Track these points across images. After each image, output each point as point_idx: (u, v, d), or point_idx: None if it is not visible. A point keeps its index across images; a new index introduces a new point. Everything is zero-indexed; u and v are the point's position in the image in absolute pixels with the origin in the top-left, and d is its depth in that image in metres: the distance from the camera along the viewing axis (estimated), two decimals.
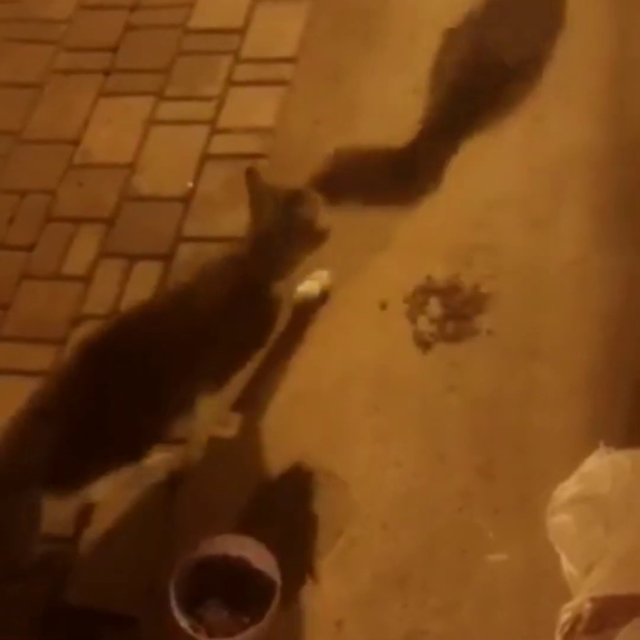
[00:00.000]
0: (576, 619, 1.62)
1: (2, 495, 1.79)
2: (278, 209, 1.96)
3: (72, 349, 1.96)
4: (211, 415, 2.00)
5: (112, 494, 1.92)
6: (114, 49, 2.82)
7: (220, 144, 2.57)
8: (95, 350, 1.87)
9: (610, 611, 1.58)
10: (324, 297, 2.21)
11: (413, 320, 2.16)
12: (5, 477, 1.80)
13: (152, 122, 2.65)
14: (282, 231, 1.96)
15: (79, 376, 1.85)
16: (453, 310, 2.16)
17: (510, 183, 2.35)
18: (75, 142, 2.63)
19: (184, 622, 1.76)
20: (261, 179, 2.01)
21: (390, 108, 2.55)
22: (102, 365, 1.84)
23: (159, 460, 1.98)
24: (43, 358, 2.22)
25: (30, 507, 1.79)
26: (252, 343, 2.00)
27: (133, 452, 1.88)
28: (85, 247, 2.42)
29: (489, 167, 2.39)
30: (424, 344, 2.13)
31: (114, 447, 1.82)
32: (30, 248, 2.44)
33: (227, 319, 1.91)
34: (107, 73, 2.77)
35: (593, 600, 1.61)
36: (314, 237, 1.99)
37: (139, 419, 1.84)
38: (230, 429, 2.07)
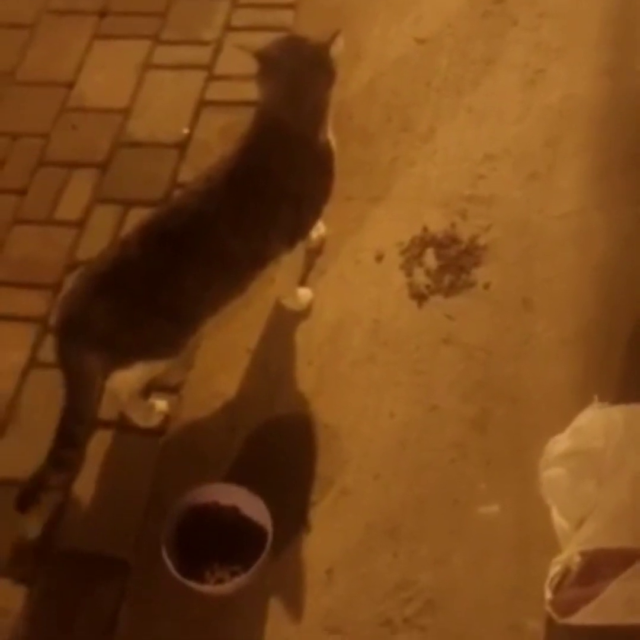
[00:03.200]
0: (566, 572, 1.63)
1: (65, 356, 1.82)
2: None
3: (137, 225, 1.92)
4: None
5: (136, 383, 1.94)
6: None
7: (217, 91, 2.55)
8: (163, 224, 1.86)
9: (599, 564, 1.60)
10: (319, 246, 2.20)
11: (409, 272, 2.15)
12: (67, 338, 1.83)
13: (147, 66, 2.61)
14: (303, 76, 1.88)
15: (142, 249, 1.83)
16: (449, 262, 2.15)
17: (509, 135, 2.34)
18: (69, 85, 2.60)
19: (174, 570, 1.76)
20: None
21: (391, 56, 2.52)
22: (165, 243, 1.83)
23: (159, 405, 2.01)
24: (36, 303, 2.21)
25: (93, 373, 1.82)
26: (320, 194, 1.97)
27: (184, 336, 1.90)
28: (78, 192, 2.39)
29: (488, 119, 2.37)
30: (419, 296, 2.12)
31: (168, 327, 1.85)
32: (23, 192, 2.42)
33: (291, 174, 1.90)
34: (102, 15, 2.73)
35: (583, 553, 1.62)
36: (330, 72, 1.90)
37: (202, 297, 1.87)
38: (300, 303, 2.11)
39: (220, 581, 1.77)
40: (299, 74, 1.88)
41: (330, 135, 1.96)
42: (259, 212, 1.89)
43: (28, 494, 1.81)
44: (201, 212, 1.85)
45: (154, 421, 2.03)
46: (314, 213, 2.01)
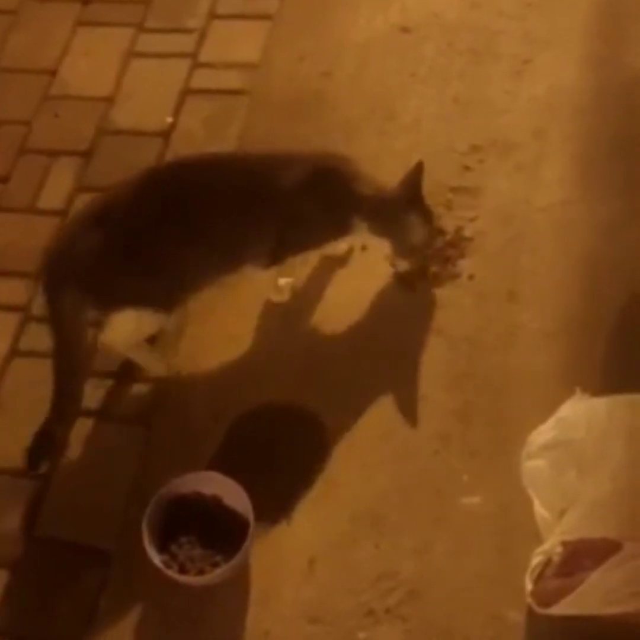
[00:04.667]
0: (547, 563, 1.63)
1: (50, 292, 1.84)
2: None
3: (144, 170, 1.95)
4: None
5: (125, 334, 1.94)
6: None
7: (202, 79, 2.53)
8: (167, 178, 1.90)
9: (581, 555, 1.60)
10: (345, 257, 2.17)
11: (393, 262, 2.14)
12: (52, 273, 1.85)
13: (131, 54, 2.59)
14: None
15: (140, 196, 1.86)
16: (434, 253, 2.14)
17: (495, 126, 2.33)
18: (52, 72, 2.58)
19: (156, 559, 1.76)
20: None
21: (377, 45, 2.51)
22: (169, 193, 1.85)
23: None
24: (17, 292, 2.20)
25: (76, 312, 1.83)
26: (322, 237, 2.00)
27: (169, 292, 1.90)
28: (61, 180, 2.38)
29: (474, 110, 2.37)
30: (404, 286, 2.11)
31: (153, 279, 1.85)
32: (5, 180, 2.40)
33: (312, 204, 1.92)
34: (85, 2, 2.71)
35: (564, 543, 1.62)
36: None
37: (186, 261, 1.86)
38: (283, 295, 2.10)
39: (201, 571, 1.76)
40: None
41: None
42: (255, 209, 1.89)
43: (37, 450, 1.83)
44: (206, 181, 1.86)
45: (162, 369, 2.03)
46: (299, 247, 2.01)
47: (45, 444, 1.83)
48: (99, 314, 1.89)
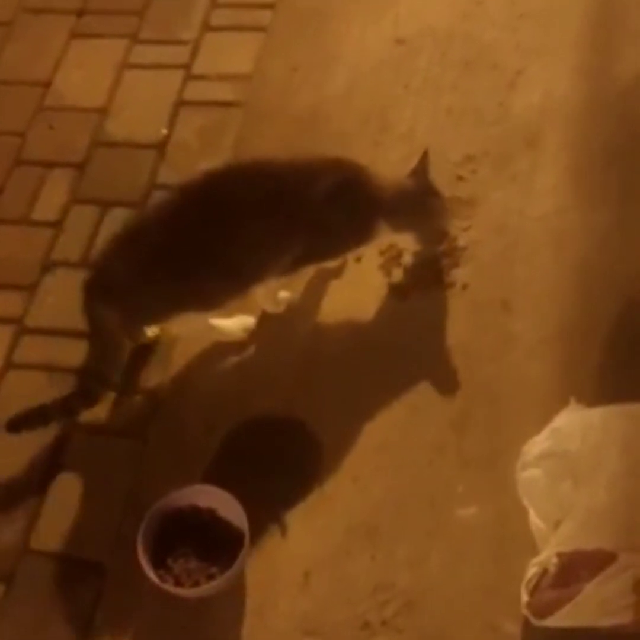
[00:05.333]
0: (543, 573, 1.63)
1: (88, 305, 1.92)
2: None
3: (178, 187, 1.97)
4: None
5: None
6: None
7: (196, 90, 2.53)
8: (201, 192, 1.91)
9: (576, 566, 1.60)
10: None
11: (388, 272, 2.15)
12: (91, 288, 1.92)
13: (125, 65, 2.60)
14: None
15: (178, 214, 1.90)
16: (428, 263, 2.14)
17: (488, 136, 2.34)
18: (46, 84, 2.58)
19: (151, 573, 1.75)
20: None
21: (370, 57, 2.51)
22: (204, 209, 1.88)
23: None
24: (12, 304, 2.19)
25: (111, 325, 1.91)
26: (347, 245, 2.05)
27: (202, 301, 1.95)
28: (55, 192, 2.38)
29: (467, 120, 2.37)
30: (398, 296, 2.11)
31: (184, 289, 1.90)
32: None
33: (340, 214, 1.95)
34: (79, 14, 2.71)
35: (560, 554, 1.62)
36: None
37: (219, 271, 1.90)
38: (279, 306, 2.11)
39: (196, 584, 1.76)
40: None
41: None
42: (285, 219, 1.92)
43: (26, 418, 1.89)
44: (238, 193, 1.90)
45: (239, 334, 2.08)
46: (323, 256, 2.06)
47: (36, 419, 1.90)
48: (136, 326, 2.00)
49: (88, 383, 1.93)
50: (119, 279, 1.90)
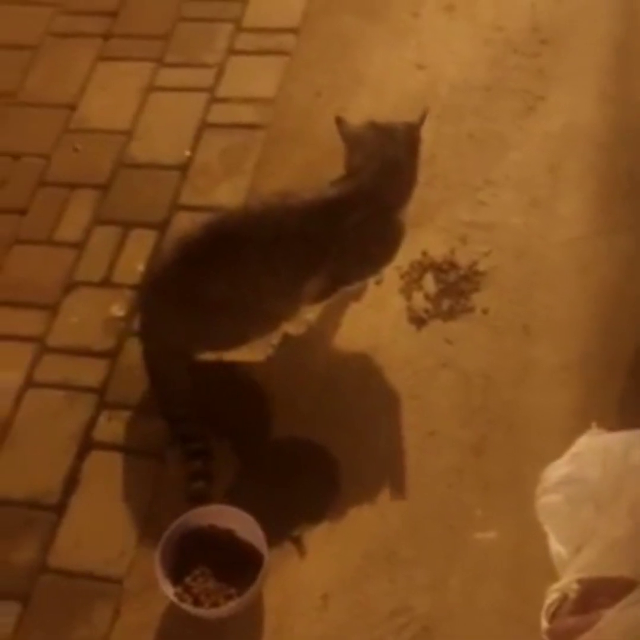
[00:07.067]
0: (563, 600, 1.61)
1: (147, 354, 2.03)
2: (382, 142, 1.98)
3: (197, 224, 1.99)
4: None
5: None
6: (114, 14, 2.79)
7: (219, 113, 2.55)
8: (224, 229, 1.95)
9: (597, 593, 1.58)
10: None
11: (408, 296, 2.15)
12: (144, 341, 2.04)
13: (150, 88, 2.62)
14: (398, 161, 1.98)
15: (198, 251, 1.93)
16: (448, 287, 2.15)
17: (509, 162, 2.35)
18: (72, 107, 2.60)
19: (170, 592, 1.75)
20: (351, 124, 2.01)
21: (392, 82, 2.53)
22: (227, 246, 1.91)
23: None
24: (34, 323, 2.20)
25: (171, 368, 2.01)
26: (379, 258, 2.04)
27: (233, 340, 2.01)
28: (79, 213, 2.39)
29: (488, 145, 2.38)
30: (418, 320, 2.11)
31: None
32: (23, 212, 2.42)
33: (358, 236, 1.95)
34: (106, 37, 2.75)
35: (580, 581, 1.60)
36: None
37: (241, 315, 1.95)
38: (300, 327, 2.11)
39: (215, 604, 1.75)
40: (394, 156, 1.97)
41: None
42: (305, 256, 1.94)
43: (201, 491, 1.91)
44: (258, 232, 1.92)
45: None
46: (349, 282, 2.06)
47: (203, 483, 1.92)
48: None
49: (172, 413, 2.00)
50: (175, 325, 1.96)
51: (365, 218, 1.95)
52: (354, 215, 1.94)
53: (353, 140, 1.99)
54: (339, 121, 2.01)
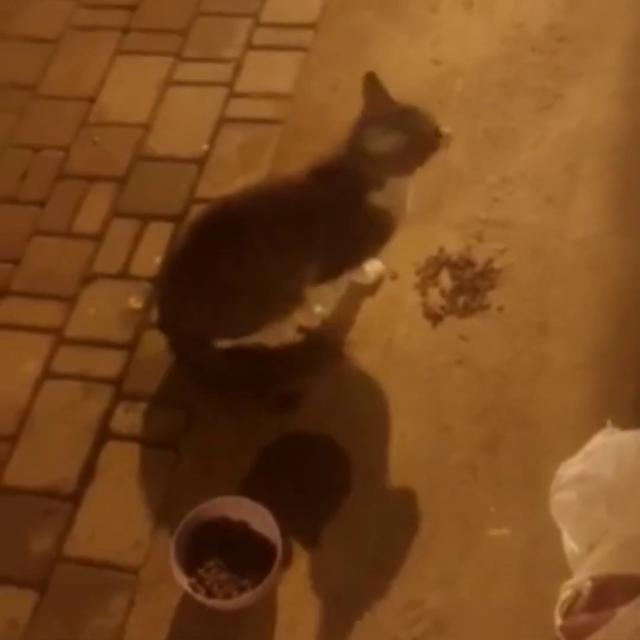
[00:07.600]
0: (576, 597, 1.62)
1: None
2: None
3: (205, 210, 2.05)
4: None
5: None
6: (133, 8, 2.80)
7: (237, 108, 2.56)
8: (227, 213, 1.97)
9: (610, 590, 1.58)
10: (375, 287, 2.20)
11: (423, 292, 2.16)
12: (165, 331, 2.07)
13: (169, 82, 2.63)
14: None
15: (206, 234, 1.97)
16: (464, 284, 2.15)
17: (525, 160, 2.34)
18: (91, 100, 2.62)
19: (184, 583, 1.77)
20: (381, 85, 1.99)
21: (409, 77, 2.53)
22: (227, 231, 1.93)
23: None
24: (52, 314, 2.22)
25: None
26: (361, 250, 2.05)
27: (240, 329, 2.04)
28: (97, 205, 2.41)
29: (504, 143, 2.38)
30: (433, 317, 2.12)
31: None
32: (42, 204, 2.43)
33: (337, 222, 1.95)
34: (125, 31, 2.76)
35: (593, 578, 1.61)
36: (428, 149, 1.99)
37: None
38: (314, 320, 2.12)
39: (228, 595, 1.77)
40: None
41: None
42: (296, 236, 1.94)
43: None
44: (248, 217, 1.93)
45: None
46: (341, 267, 2.06)
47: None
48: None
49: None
50: (192, 313, 1.99)
51: (337, 197, 1.94)
52: (326, 190, 1.94)
53: (372, 103, 1.98)
54: (370, 77, 1.98)
